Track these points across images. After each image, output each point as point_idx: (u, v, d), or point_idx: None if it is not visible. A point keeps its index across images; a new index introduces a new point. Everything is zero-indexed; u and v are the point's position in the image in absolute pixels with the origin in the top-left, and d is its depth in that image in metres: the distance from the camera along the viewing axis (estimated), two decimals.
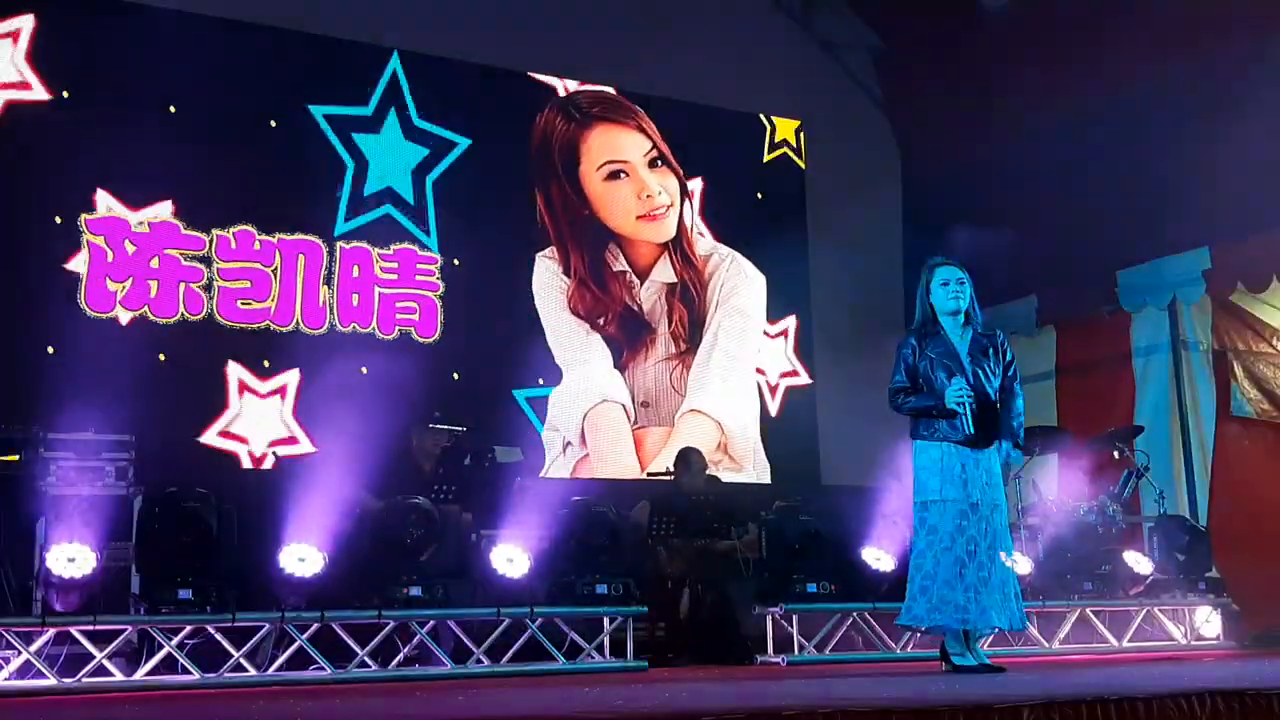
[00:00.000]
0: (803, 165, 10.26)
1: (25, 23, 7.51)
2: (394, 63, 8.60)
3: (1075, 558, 7.46)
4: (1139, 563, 7.49)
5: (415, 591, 5.72)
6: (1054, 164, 9.23)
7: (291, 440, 7.80)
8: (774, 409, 9.68)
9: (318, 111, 8.28)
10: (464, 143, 8.71)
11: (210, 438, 7.60)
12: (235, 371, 7.77)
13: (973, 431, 4.83)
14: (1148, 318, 8.97)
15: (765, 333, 9.75)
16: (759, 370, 9.67)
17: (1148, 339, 8.99)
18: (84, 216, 7.55)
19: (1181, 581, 7.50)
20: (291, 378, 7.85)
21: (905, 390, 4.98)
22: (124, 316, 7.53)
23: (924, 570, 4.86)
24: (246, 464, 7.64)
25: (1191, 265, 8.59)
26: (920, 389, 4.96)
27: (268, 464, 7.67)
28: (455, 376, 8.44)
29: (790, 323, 9.87)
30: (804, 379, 9.84)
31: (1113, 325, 9.16)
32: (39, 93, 7.49)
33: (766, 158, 10.07)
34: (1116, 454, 8.00)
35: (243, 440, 7.70)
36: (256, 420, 7.73)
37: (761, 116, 10.11)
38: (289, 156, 8.13)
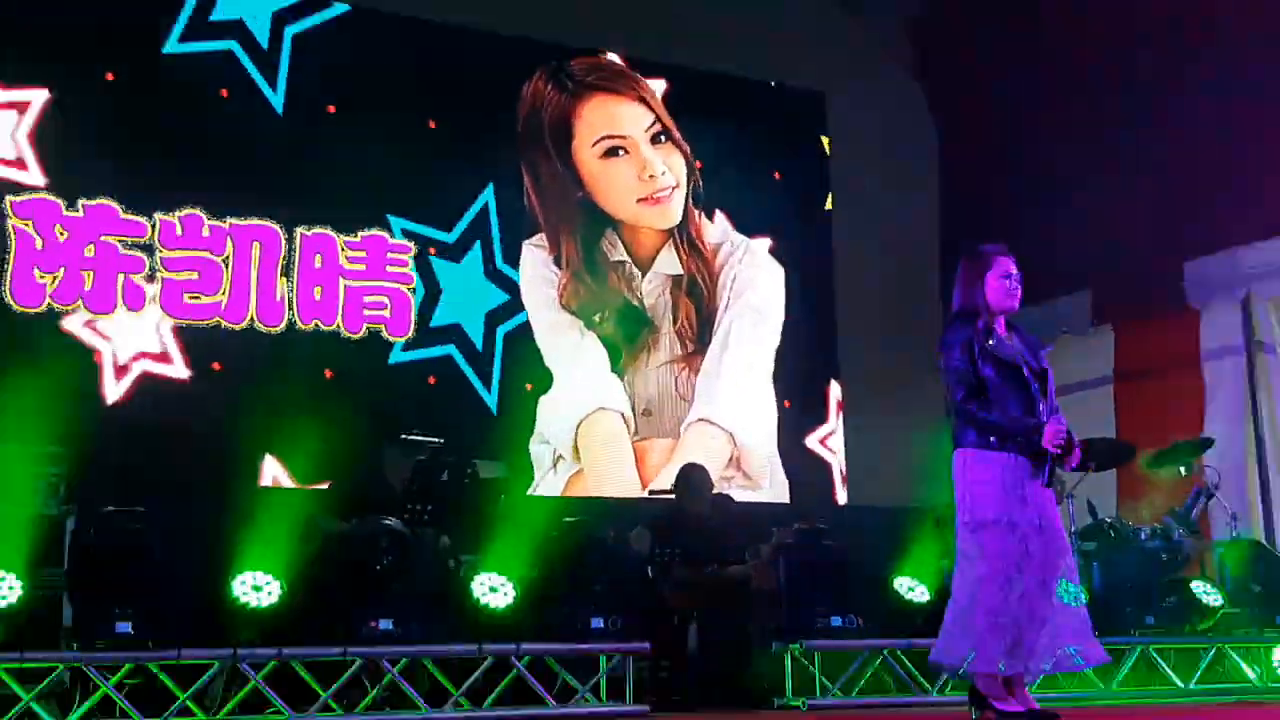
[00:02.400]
0: (826, 141, 10.28)
1: None
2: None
3: (1136, 588, 7.46)
4: (1209, 594, 7.49)
5: (386, 625, 5.71)
6: (1111, 139, 9.25)
7: (164, 358, 7.78)
8: (841, 497, 9.71)
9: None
10: None
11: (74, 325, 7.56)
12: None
13: (1048, 484, 4.80)
14: (1218, 315, 8.99)
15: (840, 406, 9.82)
16: (830, 450, 9.70)
17: (1218, 339, 9.01)
18: (9, 199, 7.56)
19: (1257, 616, 7.50)
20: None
21: (977, 397, 4.81)
22: (56, 311, 7.55)
23: (987, 606, 4.77)
24: (109, 373, 7.60)
25: (1269, 255, 8.62)
26: (981, 394, 4.89)
27: (129, 377, 7.63)
28: (431, 381, 8.45)
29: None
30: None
31: (1179, 323, 9.19)
32: None
33: (784, 132, 10.09)
34: (1184, 470, 8.01)
35: (106, 338, 7.66)
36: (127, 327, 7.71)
37: (779, 86, 10.12)
38: (242, 131, 8.15)
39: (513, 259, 8.89)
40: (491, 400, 8.64)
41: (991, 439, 4.78)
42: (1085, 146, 9.44)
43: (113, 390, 7.63)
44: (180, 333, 7.83)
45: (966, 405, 4.81)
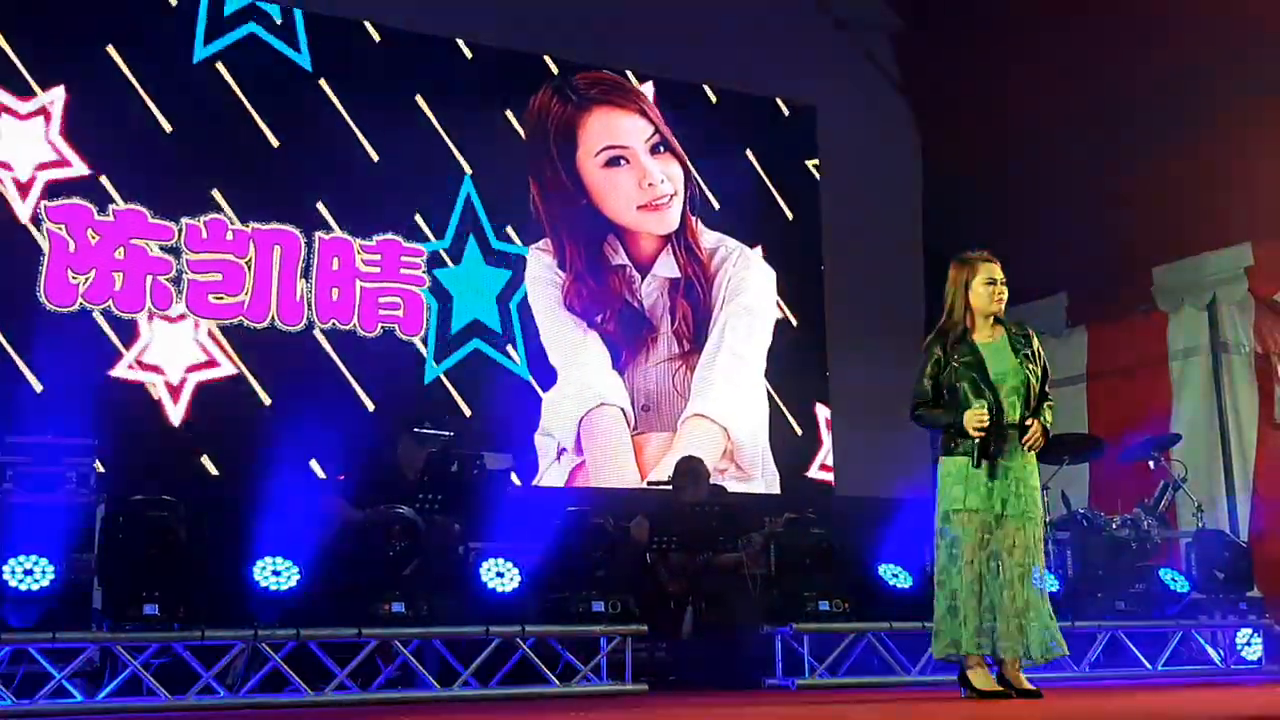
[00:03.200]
0: (816, 152, 10.26)
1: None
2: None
3: (1107, 575, 7.46)
4: (1175, 581, 7.48)
5: (398, 608, 5.70)
6: (1086, 152, 9.25)
7: (212, 364, 7.78)
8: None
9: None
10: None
11: (122, 370, 7.56)
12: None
13: (977, 465, 4.84)
14: (1186, 318, 8.97)
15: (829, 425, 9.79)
16: (826, 469, 9.68)
17: (1185, 341, 8.99)
18: (44, 203, 7.55)
19: (1221, 601, 7.50)
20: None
21: (925, 403, 5.00)
22: (87, 310, 7.54)
23: (948, 588, 4.85)
24: (162, 395, 7.61)
25: (1232, 262, 8.61)
26: (941, 400, 4.96)
27: (186, 392, 7.63)
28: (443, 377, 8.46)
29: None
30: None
31: (1148, 326, 9.17)
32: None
33: (775, 143, 10.08)
34: (1152, 464, 8.00)
35: (157, 370, 7.66)
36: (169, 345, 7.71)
37: (771, 98, 10.11)
38: (265, 138, 8.14)
39: (504, 235, 8.82)
40: (523, 371, 8.64)
41: (954, 443, 4.87)
42: (1061, 158, 9.44)
43: (175, 413, 7.65)
44: (222, 333, 7.83)
45: (913, 412, 5.03)
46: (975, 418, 4.83)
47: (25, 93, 7.59)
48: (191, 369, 7.73)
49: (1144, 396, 9.05)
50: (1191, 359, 8.96)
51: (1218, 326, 8.79)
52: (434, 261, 8.57)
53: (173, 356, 7.70)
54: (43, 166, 7.58)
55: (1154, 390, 9.05)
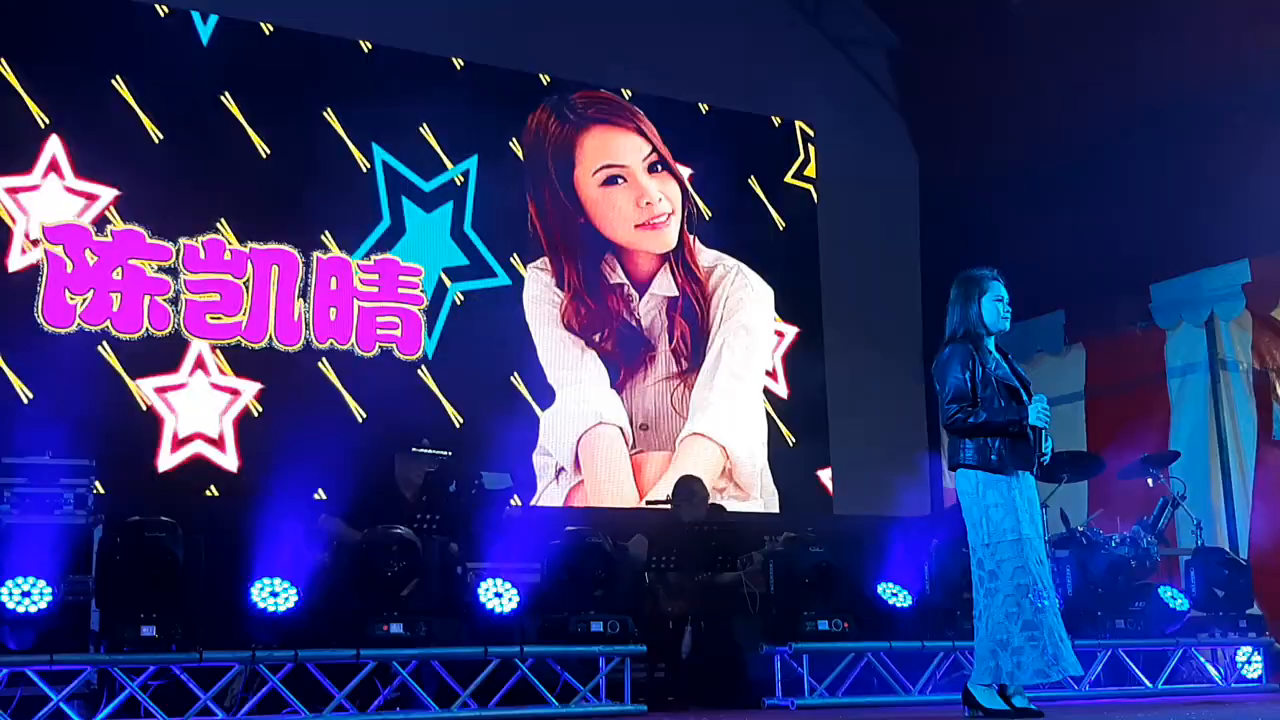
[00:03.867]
0: (813, 169, 10.31)
1: None
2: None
3: (1106, 593, 7.45)
4: (1175, 599, 7.49)
5: (396, 629, 5.69)
6: (1084, 169, 9.28)
7: (235, 394, 7.82)
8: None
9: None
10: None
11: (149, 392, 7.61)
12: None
13: (1048, 458, 4.85)
14: (1184, 335, 8.99)
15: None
16: (771, 375, 9.70)
17: (1184, 358, 9.01)
18: (41, 223, 7.57)
19: (1221, 619, 7.49)
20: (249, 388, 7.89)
21: (971, 403, 4.85)
22: (85, 331, 7.55)
23: (1024, 619, 4.79)
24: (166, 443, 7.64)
25: (1230, 278, 8.62)
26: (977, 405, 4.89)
27: (182, 454, 7.67)
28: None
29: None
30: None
31: (1146, 343, 9.19)
32: None
33: (772, 160, 10.13)
34: (1151, 481, 8.00)
35: (206, 439, 7.70)
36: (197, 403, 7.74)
37: (768, 117, 10.16)
38: (262, 157, 8.17)
39: (482, 230, 8.82)
40: (430, 345, 8.52)
41: (993, 458, 4.82)
42: (1058, 176, 9.47)
43: (166, 461, 7.68)
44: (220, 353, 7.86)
45: (958, 415, 4.88)
46: (1041, 409, 4.81)
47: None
48: (224, 413, 7.78)
49: (1142, 413, 9.06)
50: (1190, 376, 8.97)
51: (1216, 343, 8.81)
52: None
53: (208, 416, 7.78)
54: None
55: (1152, 407, 9.06)
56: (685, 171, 9.56)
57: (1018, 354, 5.37)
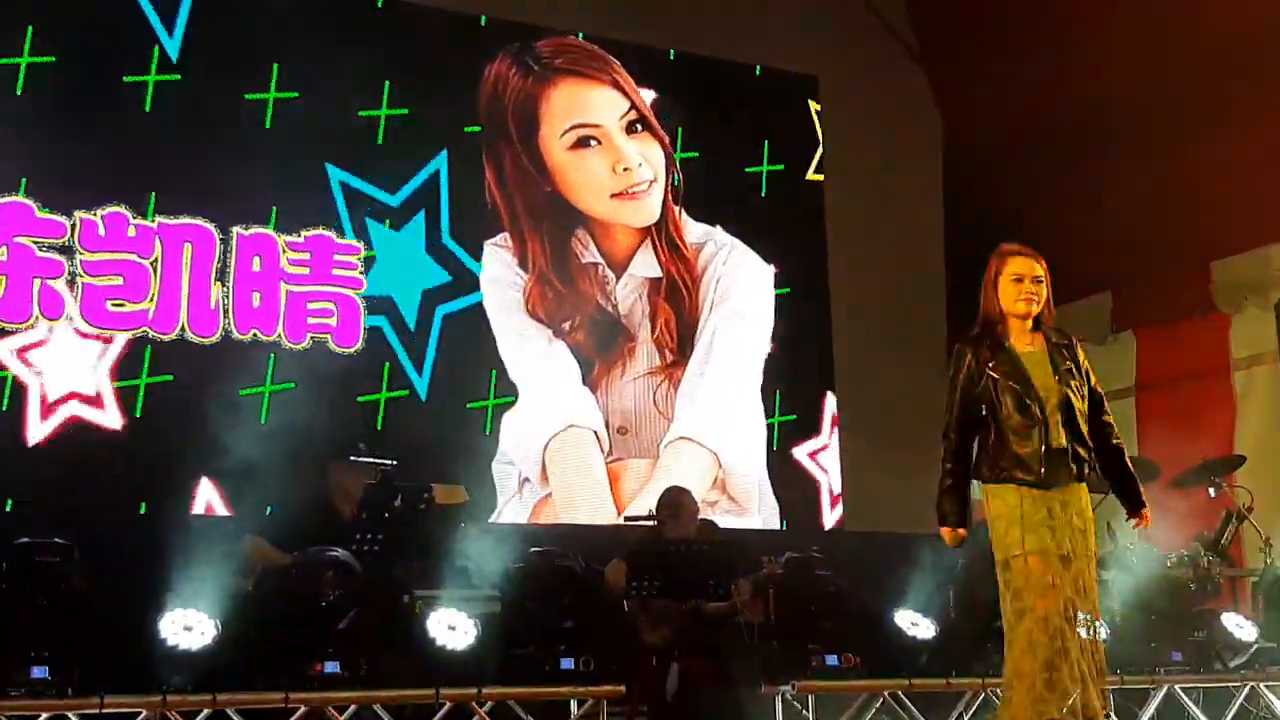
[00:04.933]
0: (820, 131, 10.32)
1: None
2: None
3: (1161, 621, 7.50)
4: (1241, 627, 7.53)
5: (332, 668, 5.69)
6: (1132, 129, 9.31)
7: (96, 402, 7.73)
8: (829, 521, 9.77)
9: None
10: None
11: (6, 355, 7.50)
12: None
13: (1038, 477, 4.87)
14: (1249, 319, 9.06)
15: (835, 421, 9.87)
16: (821, 468, 9.77)
17: (1250, 346, 9.08)
18: None
19: None
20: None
21: (953, 437, 5.01)
22: None
23: (1032, 642, 4.79)
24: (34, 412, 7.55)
25: None
26: (981, 419, 4.96)
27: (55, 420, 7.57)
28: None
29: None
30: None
31: (1206, 329, 9.25)
32: None
33: (773, 121, 10.14)
34: (1213, 491, 8.06)
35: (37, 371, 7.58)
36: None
37: (766, 70, 10.16)
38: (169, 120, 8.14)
39: (460, 236, 8.85)
40: (421, 385, 8.55)
41: (1001, 465, 4.87)
42: (1103, 136, 9.50)
43: (37, 431, 7.57)
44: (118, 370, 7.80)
45: (949, 429, 5.02)
46: (952, 537, 4.96)
47: None
48: (72, 397, 7.69)
49: (1202, 411, 9.13)
50: (1257, 367, 9.05)
51: None
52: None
53: (80, 372, 7.68)
54: None
55: (1213, 404, 9.14)
56: (670, 133, 9.54)
57: None
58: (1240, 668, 7.44)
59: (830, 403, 9.98)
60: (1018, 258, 5.04)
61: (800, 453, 9.79)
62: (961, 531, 5.01)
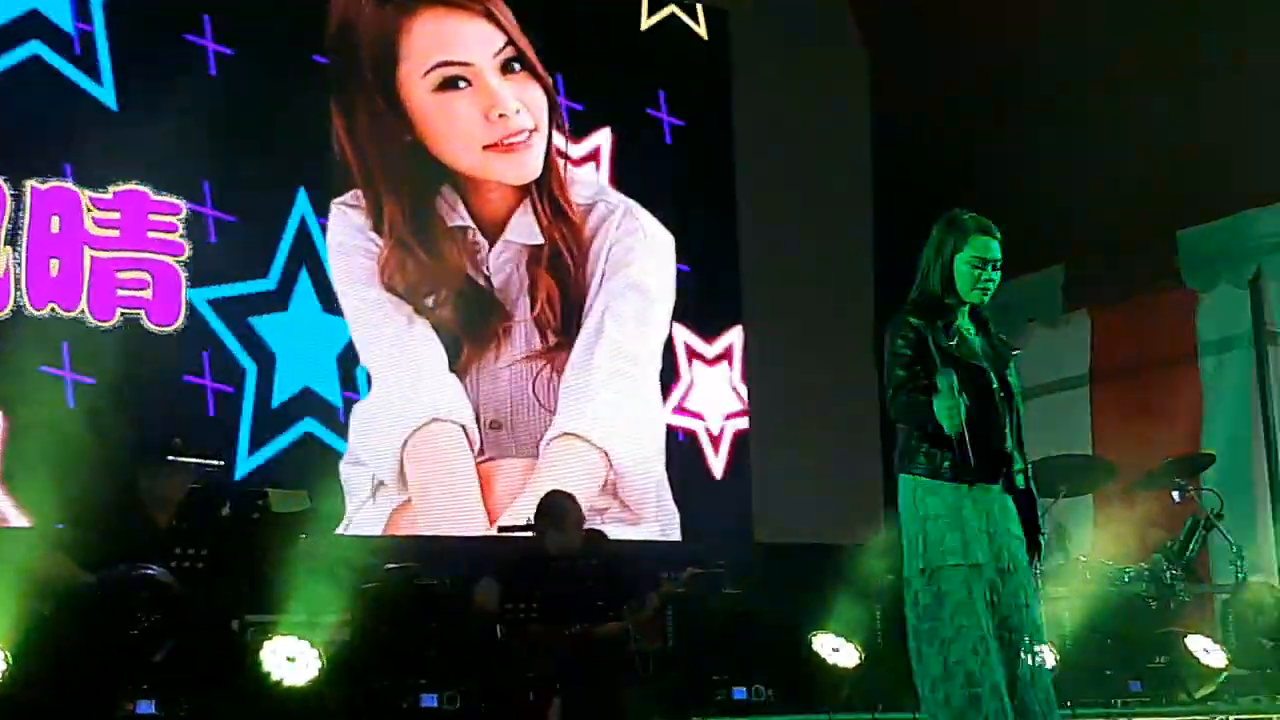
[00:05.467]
0: (729, 74, 10.34)
1: None
2: None
3: (1118, 645, 7.63)
4: (1208, 653, 7.67)
5: (146, 708, 5.63)
6: (1088, 76, 9.43)
7: None
8: (718, 469, 9.85)
9: None
10: None
11: None
12: None
13: (974, 462, 4.89)
14: (1221, 299, 9.22)
15: (700, 355, 9.89)
16: (692, 413, 9.79)
17: (1221, 329, 9.24)
18: None
19: (1270, 678, 7.70)
20: None
21: (909, 386, 4.91)
22: None
23: (966, 670, 4.86)
24: None
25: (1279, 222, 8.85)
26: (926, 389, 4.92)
27: None
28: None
29: (735, 337, 9.99)
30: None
31: (1171, 309, 9.40)
32: None
33: (675, 63, 10.16)
34: (1177, 495, 8.20)
35: None
36: None
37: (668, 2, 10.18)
38: None
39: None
40: (252, 370, 8.47)
41: (944, 463, 4.89)
42: (1056, 83, 9.60)
43: None
44: None
45: (897, 397, 4.92)
46: (946, 400, 4.83)
47: None
48: None
49: (1165, 403, 9.28)
50: (1228, 353, 9.20)
51: (1264, 309, 9.04)
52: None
53: None
54: None
55: (1179, 395, 9.28)
56: (553, 76, 9.53)
57: (1001, 324, 5.42)
58: (1208, 699, 7.59)
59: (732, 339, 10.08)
60: (980, 238, 5.04)
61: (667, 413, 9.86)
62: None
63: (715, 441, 9.92)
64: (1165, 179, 9.11)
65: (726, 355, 10.09)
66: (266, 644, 6.02)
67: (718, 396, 9.99)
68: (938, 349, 4.93)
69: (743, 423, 10.03)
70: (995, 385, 4.96)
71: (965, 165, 9.50)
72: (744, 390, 10.09)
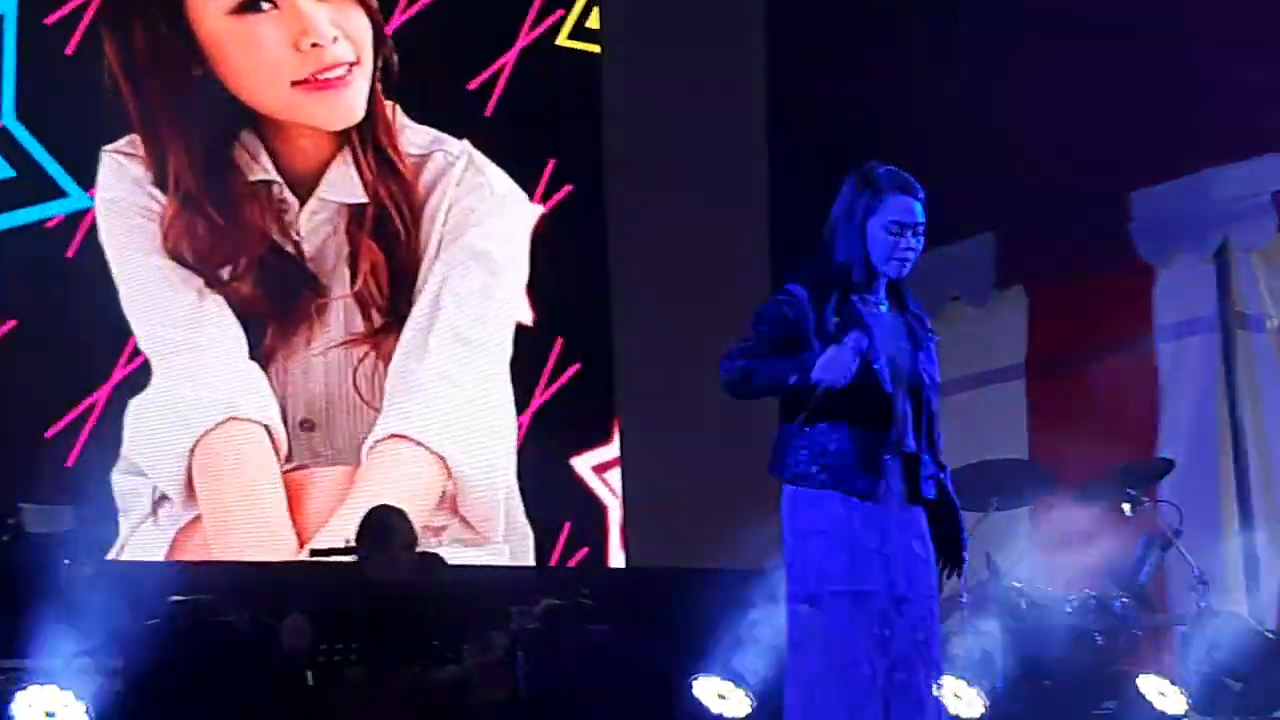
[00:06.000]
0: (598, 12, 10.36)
1: None
2: None
3: (1059, 687, 7.71)
4: (1165, 695, 7.78)
5: None
6: (1028, 14, 9.50)
7: None
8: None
9: None
10: None
11: None
12: None
13: (868, 467, 4.91)
14: (1182, 273, 9.34)
15: None
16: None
17: (1182, 310, 9.36)
18: None
19: None
20: None
21: (753, 353, 4.96)
22: None
23: (829, 714, 4.89)
24: None
25: (1256, 182, 8.97)
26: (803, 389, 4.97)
27: None
28: None
29: None
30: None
31: (1124, 285, 9.51)
32: None
33: None
34: (1129, 508, 8.30)
35: None
36: None
37: None
38: None
39: (37, 124, 8.67)
40: None
41: (826, 463, 4.89)
42: (985, 21, 9.67)
43: None
44: None
45: (731, 365, 4.97)
46: (839, 357, 4.81)
47: None
48: None
49: (1116, 399, 9.39)
50: (1191, 338, 9.32)
51: (1231, 286, 9.17)
52: None
53: None
54: None
55: (1131, 389, 9.39)
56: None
57: (919, 302, 5.44)
58: None
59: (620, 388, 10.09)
60: (899, 198, 5.07)
61: (582, 465, 9.85)
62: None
63: (625, 537, 9.92)
64: (1117, 134, 9.21)
65: None
66: (20, 695, 5.96)
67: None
68: (827, 319, 4.96)
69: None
70: (887, 378, 4.99)
71: (885, 115, 9.54)
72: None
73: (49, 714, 5.94)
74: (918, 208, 5.05)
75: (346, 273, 9.28)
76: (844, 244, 5.05)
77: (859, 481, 4.90)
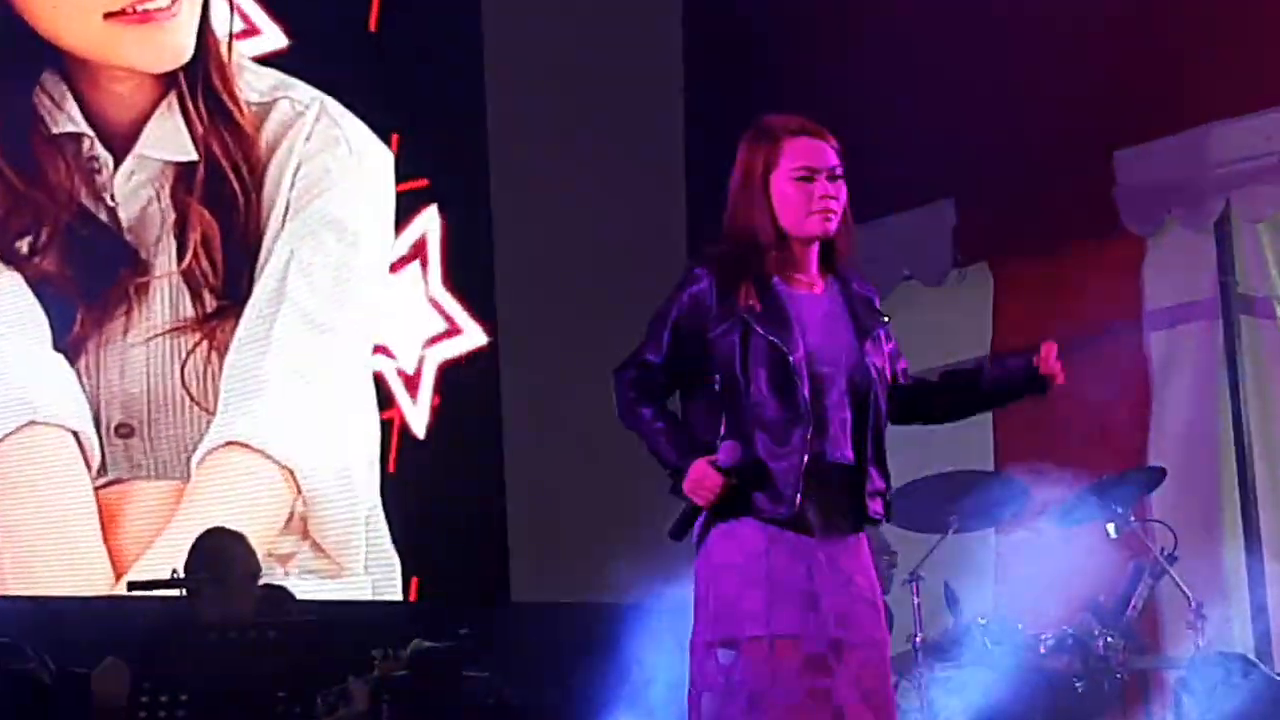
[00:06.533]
0: None
1: None
2: None
3: None
4: None
5: None
6: None
7: None
8: (418, 427, 9.81)
9: None
10: None
11: None
12: None
13: (793, 489, 4.93)
14: (1176, 247, 9.44)
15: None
16: (381, 350, 9.80)
17: (1176, 291, 9.45)
18: None
19: None
20: None
21: (643, 389, 5.07)
22: None
23: None
24: None
25: (1259, 143, 9.08)
26: (702, 393, 5.02)
27: None
28: None
29: (430, 222, 10.00)
30: (477, 342, 10.02)
31: (1107, 261, 9.60)
32: None
33: None
34: (1113, 528, 8.38)
35: None
36: None
37: None
38: None
39: None
40: None
41: (746, 490, 4.89)
42: None
43: None
44: None
45: (623, 406, 5.14)
46: (705, 480, 4.87)
47: None
48: None
49: (1098, 397, 9.48)
50: (1185, 325, 9.42)
51: (1232, 261, 9.27)
52: None
53: None
54: None
55: (1116, 385, 9.47)
56: None
57: (865, 280, 5.47)
58: None
59: None
60: (802, 139, 5.09)
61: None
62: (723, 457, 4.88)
63: (411, 385, 9.92)
64: (1098, 87, 9.30)
65: (418, 253, 10.08)
66: None
67: (408, 316, 9.99)
68: (727, 316, 4.96)
69: (451, 348, 10.06)
70: (802, 373, 5.01)
71: (824, 68, 9.60)
72: (450, 302, 10.11)
73: None
74: (826, 149, 5.05)
75: (173, 246, 9.26)
76: (747, 213, 5.05)
77: (778, 506, 4.92)
